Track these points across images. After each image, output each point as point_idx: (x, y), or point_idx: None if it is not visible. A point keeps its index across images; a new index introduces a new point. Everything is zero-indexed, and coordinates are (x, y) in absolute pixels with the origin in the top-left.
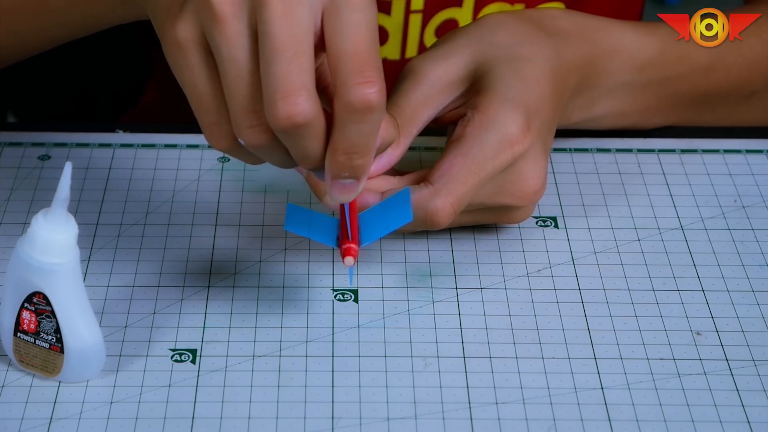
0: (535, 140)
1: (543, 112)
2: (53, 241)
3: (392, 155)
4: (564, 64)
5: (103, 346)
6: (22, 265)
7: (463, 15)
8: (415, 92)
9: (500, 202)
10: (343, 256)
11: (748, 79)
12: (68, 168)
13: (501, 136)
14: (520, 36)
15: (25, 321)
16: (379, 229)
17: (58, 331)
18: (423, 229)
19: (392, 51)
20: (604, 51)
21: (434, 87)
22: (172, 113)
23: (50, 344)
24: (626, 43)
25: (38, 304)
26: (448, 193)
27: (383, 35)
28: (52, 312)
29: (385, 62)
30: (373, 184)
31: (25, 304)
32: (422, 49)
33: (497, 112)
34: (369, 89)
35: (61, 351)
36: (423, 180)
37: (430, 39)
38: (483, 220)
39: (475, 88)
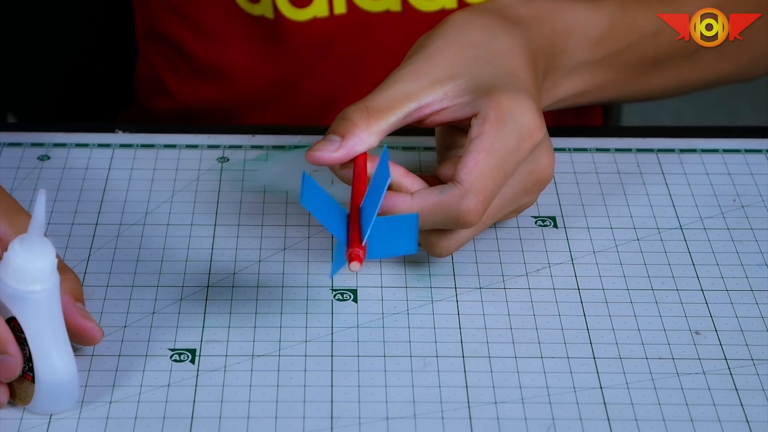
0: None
1: (536, 98)
2: (27, 269)
3: (352, 147)
4: (533, 50)
5: (77, 381)
6: (0, 291)
7: None
8: (395, 87)
9: (526, 199)
10: (350, 260)
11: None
12: (42, 196)
13: (519, 126)
14: (493, 30)
15: None
16: (384, 249)
17: (30, 360)
18: (453, 228)
19: (321, 9)
20: (562, 31)
21: (417, 83)
22: (166, 112)
23: (23, 372)
24: (579, 21)
25: (15, 330)
26: (477, 191)
27: None
28: (25, 340)
29: (315, 20)
30: (404, 185)
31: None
32: (350, 6)
33: (510, 104)
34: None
35: (33, 381)
36: (448, 178)
37: None
38: (504, 218)
39: (471, 90)
